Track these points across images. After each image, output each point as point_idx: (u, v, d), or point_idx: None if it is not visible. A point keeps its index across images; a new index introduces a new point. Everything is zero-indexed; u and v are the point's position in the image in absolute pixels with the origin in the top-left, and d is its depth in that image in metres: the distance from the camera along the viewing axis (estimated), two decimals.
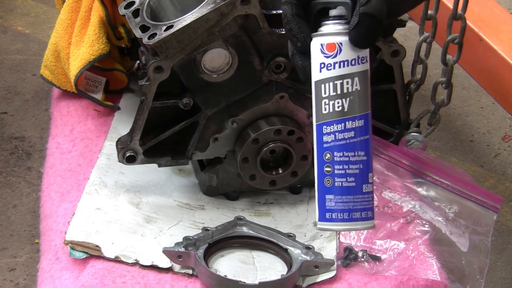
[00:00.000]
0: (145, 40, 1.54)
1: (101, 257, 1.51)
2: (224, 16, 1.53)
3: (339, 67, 1.18)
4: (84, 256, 1.51)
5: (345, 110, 1.19)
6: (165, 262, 1.50)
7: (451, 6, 1.69)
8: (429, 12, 1.73)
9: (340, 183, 1.21)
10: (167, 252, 1.50)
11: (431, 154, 1.85)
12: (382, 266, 1.53)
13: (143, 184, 1.72)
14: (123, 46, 1.98)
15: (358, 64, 1.19)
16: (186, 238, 1.52)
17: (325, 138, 1.20)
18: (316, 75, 1.20)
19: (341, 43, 1.17)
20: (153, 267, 1.51)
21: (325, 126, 1.20)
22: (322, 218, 1.23)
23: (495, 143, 2.70)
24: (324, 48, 1.18)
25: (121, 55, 2.00)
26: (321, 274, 1.51)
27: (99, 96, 1.93)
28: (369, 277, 1.51)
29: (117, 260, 1.51)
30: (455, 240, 1.58)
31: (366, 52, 1.19)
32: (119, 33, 1.92)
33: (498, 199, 1.62)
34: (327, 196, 1.22)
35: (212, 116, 1.64)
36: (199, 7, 1.53)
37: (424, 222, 1.60)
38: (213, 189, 1.73)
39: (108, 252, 1.51)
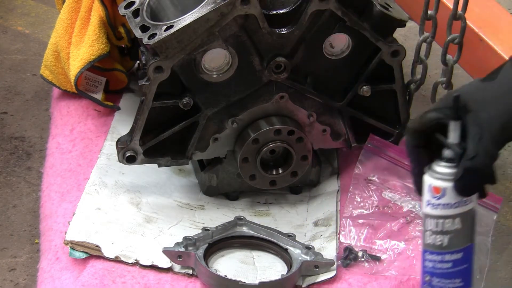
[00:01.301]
0: (145, 40, 1.54)
1: (101, 257, 1.51)
2: (224, 16, 1.53)
3: (442, 208, 1.22)
4: (84, 256, 1.51)
5: (445, 245, 1.24)
6: (165, 262, 1.50)
7: (451, 6, 1.69)
8: (429, 12, 1.73)
9: None
10: (167, 252, 1.50)
11: None
12: (382, 266, 1.53)
13: (143, 184, 1.72)
14: (123, 46, 1.98)
15: (461, 206, 1.23)
16: (186, 238, 1.52)
17: (426, 263, 1.25)
18: (424, 206, 1.25)
19: (446, 188, 1.21)
20: (153, 267, 1.51)
21: (426, 253, 1.25)
22: None
23: None
24: (431, 189, 1.22)
25: (121, 55, 2.00)
26: (321, 274, 1.51)
27: (99, 96, 1.93)
28: (369, 277, 1.51)
29: (117, 260, 1.51)
30: None
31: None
32: (119, 33, 1.92)
33: (498, 199, 1.62)
34: None
35: (212, 116, 1.63)
36: (199, 7, 1.53)
37: None
38: (213, 189, 1.73)
39: (108, 252, 1.51)
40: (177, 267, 1.51)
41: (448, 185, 1.21)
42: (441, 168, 1.22)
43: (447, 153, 1.21)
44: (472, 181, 1.19)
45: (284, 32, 1.58)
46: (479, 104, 1.18)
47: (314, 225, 1.66)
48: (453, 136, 1.20)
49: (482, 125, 1.17)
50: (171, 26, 1.53)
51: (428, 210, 1.23)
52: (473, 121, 1.17)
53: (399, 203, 1.64)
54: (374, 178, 1.67)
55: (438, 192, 1.22)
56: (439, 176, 1.21)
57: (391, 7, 1.64)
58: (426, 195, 1.23)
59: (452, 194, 1.21)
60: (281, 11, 1.59)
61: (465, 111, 1.18)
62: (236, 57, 1.58)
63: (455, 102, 1.18)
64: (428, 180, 1.22)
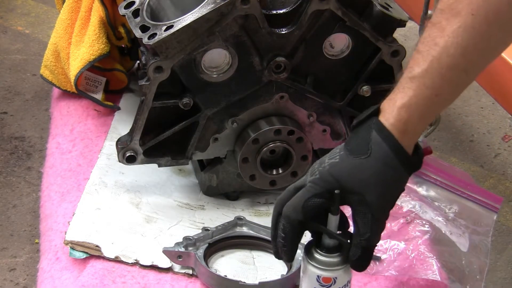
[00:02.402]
0: (145, 40, 1.54)
1: (101, 257, 1.51)
2: (224, 16, 1.53)
3: None
4: (84, 256, 1.51)
5: None
6: (165, 262, 1.50)
7: None
8: (429, 12, 1.73)
9: None
10: (167, 252, 1.50)
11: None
12: (382, 266, 1.53)
13: (143, 184, 1.72)
14: (123, 46, 1.98)
15: (347, 285, 1.30)
16: (186, 238, 1.52)
17: None
18: None
19: (337, 277, 1.28)
20: (153, 267, 1.51)
21: None
22: None
23: (495, 143, 2.70)
24: (321, 279, 1.28)
25: (121, 55, 2.00)
26: None
27: (99, 96, 1.93)
28: (369, 277, 1.51)
29: (117, 260, 1.51)
30: (455, 240, 1.58)
31: None
32: (119, 33, 1.92)
33: (498, 199, 1.62)
34: None
35: (212, 116, 1.63)
36: (199, 7, 1.53)
37: (424, 222, 1.60)
38: (213, 189, 1.73)
39: (108, 252, 1.51)
40: (177, 267, 1.51)
41: (338, 273, 1.27)
42: (326, 258, 1.27)
43: (328, 242, 1.27)
44: (369, 256, 1.26)
45: (284, 32, 1.58)
46: (362, 187, 1.22)
47: None
48: (333, 225, 1.25)
49: (370, 205, 1.22)
50: (171, 26, 1.53)
51: None
52: (359, 203, 1.23)
53: (399, 203, 1.63)
54: None
55: (329, 281, 1.27)
56: (328, 268, 1.27)
57: (391, 7, 1.64)
58: (313, 284, 1.28)
59: (343, 277, 1.27)
60: (281, 11, 1.59)
61: (350, 192, 1.23)
62: (236, 57, 1.58)
63: (337, 199, 1.22)
64: (316, 271, 1.27)
